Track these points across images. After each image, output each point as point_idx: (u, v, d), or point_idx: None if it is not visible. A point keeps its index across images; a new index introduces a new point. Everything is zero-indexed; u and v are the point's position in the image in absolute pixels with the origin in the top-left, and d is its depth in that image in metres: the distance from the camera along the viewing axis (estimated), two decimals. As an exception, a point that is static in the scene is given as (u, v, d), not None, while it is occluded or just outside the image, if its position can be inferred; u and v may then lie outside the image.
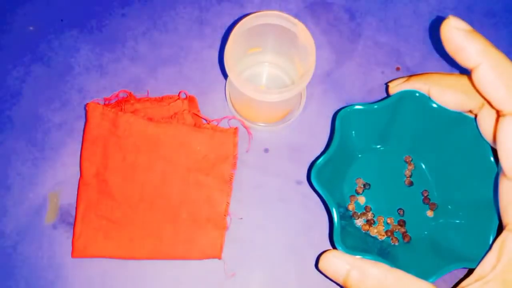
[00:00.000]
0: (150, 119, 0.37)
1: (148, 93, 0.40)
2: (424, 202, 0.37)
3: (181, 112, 0.38)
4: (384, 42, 0.42)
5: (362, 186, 0.37)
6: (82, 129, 0.39)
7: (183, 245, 0.35)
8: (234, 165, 0.37)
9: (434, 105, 0.34)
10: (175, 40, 0.42)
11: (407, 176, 0.38)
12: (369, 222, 0.36)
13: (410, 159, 0.38)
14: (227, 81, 0.40)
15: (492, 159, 0.33)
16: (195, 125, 0.38)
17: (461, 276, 0.34)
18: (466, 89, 0.32)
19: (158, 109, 0.38)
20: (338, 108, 0.40)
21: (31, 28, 0.42)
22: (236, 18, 0.43)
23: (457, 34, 0.29)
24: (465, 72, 0.32)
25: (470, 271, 0.31)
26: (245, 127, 0.39)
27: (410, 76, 0.36)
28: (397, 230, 0.36)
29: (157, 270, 0.36)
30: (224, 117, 0.39)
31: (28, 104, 0.40)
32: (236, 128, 0.38)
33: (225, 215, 0.36)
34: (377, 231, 0.36)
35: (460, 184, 0.35)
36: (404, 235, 0.36)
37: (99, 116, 0.37)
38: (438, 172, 0.37)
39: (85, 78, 0.41)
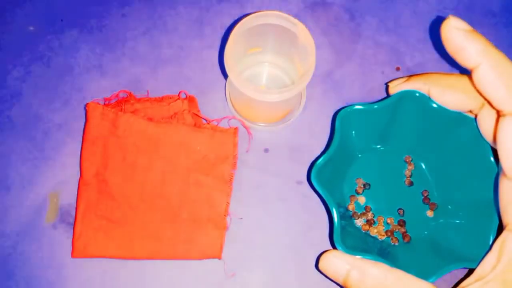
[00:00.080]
0: (150, 119, 0.37)
1: (148, 93, 0.40)
2: (424, 202, 0.37)
3: (181, 112, 0.38)
4: (384, 42, 0.42)
5: (362, 186, 0.37)
6: (82, 129, 0.39)
7: (183, 245, 0.35)
8: (234, 165, 0.37)
9: (434, 105, 0.34)
10: (175, 40, 0.42)
11: (407, 176, 0.38)
12: (369, 222, 0.36)
13: (410, 159, 0.38)
14: (227, 81, 0.40)
15: (492, 159, 0.33)
16: (195, 125, 0.38)
17: (461, 276, 0.34)
18: (466, 89, 0.32)
19: (158, 109, 0.38)
20: (338, 108, 0.40)
21: (31, 28, 0.42)
22: (236, 18, 0.43)
23: (457, 34, 0.29)
24: (465, 72, 0.32)
25: (470, 271, 0.31)
26: (245, 127, 0.39)
27: (410, 76, 0.36)
28: (397, 230, 0.36)
29: (157, 270, 0.36)
30: (224, 117, 0.39)
31: (28, 104, 0.40)
32: (236, 128, 0.38)
33: (225, 215, 0.36)
34: (377, 231, 0.36)
35: (460, 184, 0.35)
36: (404, 235, 0.36)
37: (99, 116, 0.37)
38: (438, 172, 0.37)
39: (85, 78, 0.41)
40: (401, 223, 0.36)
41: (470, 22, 0.30)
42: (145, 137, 0.37)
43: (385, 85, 0.41)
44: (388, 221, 0.37)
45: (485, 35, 0.30)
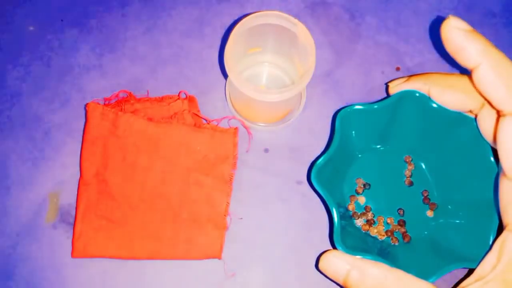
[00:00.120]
0: (150, 119, 0.37)
1: (148, 93, 0.40)
2: (424, 202, 0.37)
3: (181, 112, 0.38)
4: (384, 42, 0.42)
5: (362, 186, 0.37)
6: (82, 129, 0.39)
7: (183, 245, 0.35)
8: (234, 165, 0.37)
9: (434, 105, 0.34)
10: (175, 40, 0.42)
11: (407, 176, 0.38)
12: (369, 222, 0.36)
13: (410, 159, 0.38)
14: (227, 81, 0.40)
15: (492, 159, 0.33)
16: (195, 125, 0.38)
17: (461, 276, 0.34)
18: (466, 89, 0.32)
19: (158, 109, 0.38)
20: (338, 108, 0.40)
21: (31, 28, 0.42)
22: (236, 18, 0.43)
23: (457, 34, 0.29)
24: (465, 72, 0.32)
25: (470, 271, 0.31)
26: (245, 127, 0.39)
27: (410, 76, 0.36)
28: (397, 230, 0.36)
29: (157, 270, 0.36)
30: (224, 117, 0.39)
31: (28, 104, 0.40)
32: (236, 128, 0.38)
33: (225, 215, 0.36)
34: (377, 231, 0.36)
35: (460, 184, 0.35)
36: (404, 235, 0.36)
37: (99, 116, 0.37)
38: (438, 172, 0.37)
39: (85, 78, 0.41)
40: (401, 223, 0.36)
41: (470, 22, 0.30)
42: (145, 137, 0.37)
43: (385, 85, 0.41)
44: (388, 221, 0.37)
45: (485, 35, 0.30)
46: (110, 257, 0.35)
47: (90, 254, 0.35)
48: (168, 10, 0.43)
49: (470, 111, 0.33)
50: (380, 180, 0.38)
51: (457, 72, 0.40)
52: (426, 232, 0.36)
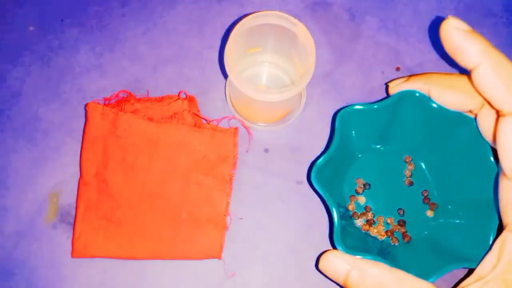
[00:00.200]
0: (150, 119, 0.37)
1: (148, 93, 0.40)
2: (424, 202, 0.37)
3: (181, 112, 0.38)
4: (384, 42, 0.42)
5: (362, 186, 0.37)
6: (82, 129, 0.39)
7: (183, 245, 0.35)
8: (234, 165, 0.37)
9: (434, 105, 0.34)
10: (175, 40, 0.42)
11: (407, 176, 0.38)
12: (369, 222, 0.36)
13: (410, 159, 0.38)
14: (227, 81, 0.40)
15: (492, 159, 0.33)
16: (195, 125, 0.38)
17: (461, 276, 0.34)
18: (466, 89, 0.32)
19: (158, 109, 0.38)
20: (338, 108, 0.40)
21: (31, 28, 0.42)
22: (236, 18, 0.43)
23: (457, 35, 0.29)
24: (465, 72, 0.32)
25: (470, 271, 0.31)
26: (245, 127, 0.39)
27: (410, 76, 0.36)
28: (397, 230, 0.36)
29: (157, 270, 0.36)
30: (224, 117, 0.39)
31: (28, 104, 0.40)
32: (236, 128, 0.38)
33: (225, 215, 0.36)
34: (377, 231, 0.36)
35: (460, 184, 0.35)
36: (404, 235, 0.36)
37: (99, 116, 0.37)
38: (438, 172, 0.37)
39: (85, 78, 0.41)
40: (401, 223, 0.36)
41: (470, 22, 0.30)
42: (145, 137, 0.37)
43: (385, 85, 0.41)
44: (388, 221, 0.37)
45: (485, 35, 0.30)
46: (110, 257, 0.35)
47: (90, 254, 0.35)
48: (168, 10, 0.43)
49: (470, 111, 0.33)
50: (380, 180, 0.38)
51: (457, 72, 0.40)
52: (426, 232, 0.36)
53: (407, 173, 0.38)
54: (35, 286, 0.35)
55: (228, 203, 0.36)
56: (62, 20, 0.42)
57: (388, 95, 0.37)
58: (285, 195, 0.38)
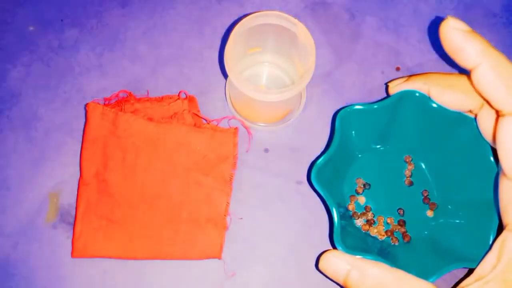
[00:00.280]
0: (150, 119, 0.37)
1: (148, 93, 0.40)
2: (424, 202, 0.37)
3: (181, 112, 0.38)
4: (384, 42, 0.42)
5: (362, 186, 0.37)
6: (82, 129, 0.39)
7: (183, 245, 0.35)
8: (234, 165, 0.37)
9: (434, 105, 0.34)
10: (175, 40, 0.42)
11: (407, 176, 0.38)
12: (369, 222, 0.36)
13: (410, 159, 0.38)
14: (227, 81, 0.40)
15: (492, 159, 0.33)
16: (195, 125, 0.38)
17: (461, 276, 0.34)
18: (466, 89, 0.32)
19: (158, 109, 0.38)
20: (338, 108, 0.40)
21: (31, 28, 0.42)
22: (236, 18, 0.43)
23: (456, 35, 0.29)
24: (465, 72, 0.32)
25: (470, 271, 0.31)
26: (245, 127, 0.39)
27: (410, 76, 0.36)
28: (397, 230, 0.36)
29: (157, 270, 0.36)
30: (224, 117, 0.39)
31: (28, 104, 0.40)
32: (236, 128, 0.38)
33: (225, 215, 0.36)
34: (377, 231, 0.36)
35: (460, 184, 0.35)
36: (404, 235, 0.36)
37: (99, 116, 0.37)
38: (438, 172, 0.37)
39: (85, 78, 0.41)
40: (401, 223, 0.36)
41: (470, 22, 0.30)
42: (145, 137, 0.37)
43: (385, 85, 0.41)
44: (388, 221, 0.37)
45: (485, 35, 0.30)
46: (110, 257, 0.35)
47: (90, 254, 0.35)
48: (168, 10, 0.43)
49: (470, 111, 0.33)
50: (380, 180, 0.38)
51: (456, 72, 0.40)
52: (426, 232, 0.36)
53: (407, 173, 0.38)
54: (35, 286, 0.35)
55: (228, 203, 0.36)
56: (62, 20, 0.42)
57: (388, 95, 0.37)
58: (285, 195, 0.38)
